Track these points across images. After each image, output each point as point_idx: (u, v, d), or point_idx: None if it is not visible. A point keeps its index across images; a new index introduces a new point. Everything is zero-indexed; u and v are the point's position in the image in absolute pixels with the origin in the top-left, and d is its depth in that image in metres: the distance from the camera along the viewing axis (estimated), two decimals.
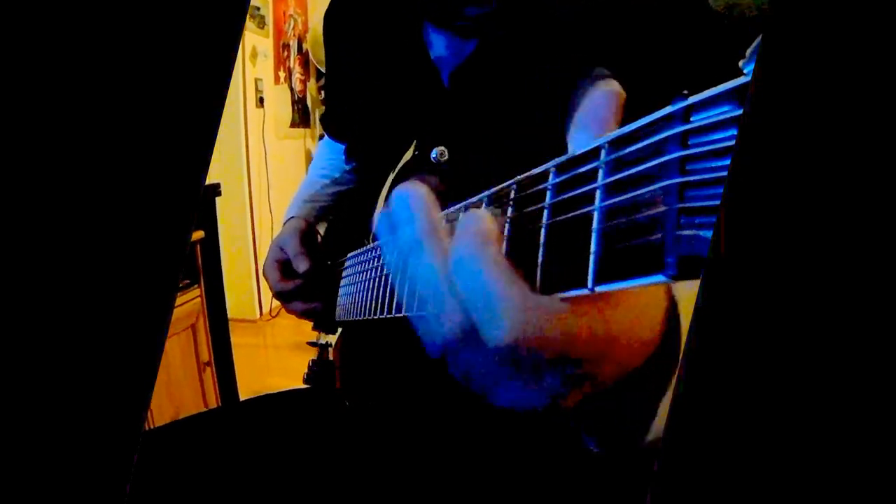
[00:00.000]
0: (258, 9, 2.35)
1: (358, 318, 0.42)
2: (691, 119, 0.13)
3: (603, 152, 0.16)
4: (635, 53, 0.37)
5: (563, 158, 0.18)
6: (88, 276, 0.12)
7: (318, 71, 2.77)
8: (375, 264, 0.39)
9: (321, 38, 0.58)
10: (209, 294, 1.20)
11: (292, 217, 0.60)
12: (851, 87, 0.08)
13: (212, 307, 1.21)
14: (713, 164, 0.13)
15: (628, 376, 0.21)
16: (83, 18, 0.11)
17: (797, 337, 0.09)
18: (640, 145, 0.15)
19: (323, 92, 2.64)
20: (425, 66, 0.44)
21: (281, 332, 2.32)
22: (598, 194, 0.16)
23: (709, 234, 0.13)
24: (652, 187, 0.14)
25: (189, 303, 1.14)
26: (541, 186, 0.19)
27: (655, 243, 0.14)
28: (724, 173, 0.12)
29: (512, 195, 0.21)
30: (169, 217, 0.14)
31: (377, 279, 0.37)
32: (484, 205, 0.23)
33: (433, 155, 0.41)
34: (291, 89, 2.67)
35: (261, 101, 2.38)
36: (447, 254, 0.21)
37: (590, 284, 0.16)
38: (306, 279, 0.54)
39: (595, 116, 0.19)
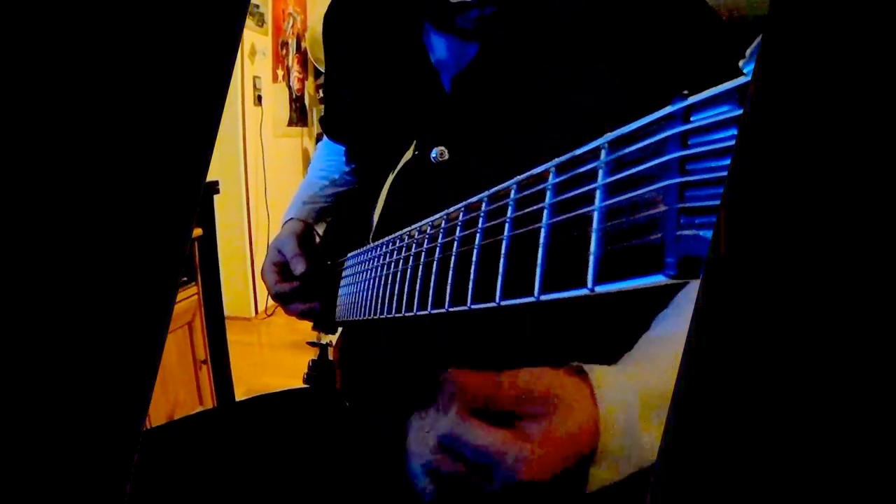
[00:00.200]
0: (257, 6, 2.35)
1: (358, 318, 0.42)
2: (691, 119, 0.13)
3: (603, 152, 0.16)
4: (635, 54, 0.37)
5: (563, 158, 0.18)
6: (88, 274, 0.12)
7: (316, 70, 2.76)
8: (375, 264, 0.39)
9: (320, 37, 0.57)
10: (206, 291, 1.20)
11: (291, 219, 0.60)
12: (851, 87, 0.08)
13: (208, 305, 1.21)
14: (713, 164, 0.13)
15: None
16: (83, 17, 0.11)
17: (797, 336, 0.09)
18: (640, 145, 0.15)
19: (321, 92, 2.63)
20: (425, 69, 0.44)
21: (276, 331, 2.32)
22: (598, 194, 0.16)
23: (709, 234, 0.13)
24: (652, 187, 0.14)
25: (186, 300, 1.14)
26: (541, 186, 0.19)
27: (655, 243, 0.14)
28: (724, 173, 0.12)
29: (512, 195, 0.21)
30: (169, 216, 0.14)
31: (377, 279, 0.37)
32: (484, 204, 0.23)
33: (433, 155, 0.41)
34: (289, 88, 2.66)
35: (259, 100, 2.37)
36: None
37: (590, 284, 0.16)
38: (304, 281, 0.54)
39: None
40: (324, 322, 0.58)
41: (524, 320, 0.34)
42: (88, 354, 0.13)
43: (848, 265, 0.08)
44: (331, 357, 0.55)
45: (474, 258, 0.23)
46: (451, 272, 0.25)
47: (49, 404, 0.12)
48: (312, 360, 0.57)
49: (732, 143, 0.12)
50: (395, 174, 0.43)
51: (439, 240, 0.27)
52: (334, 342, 0.56)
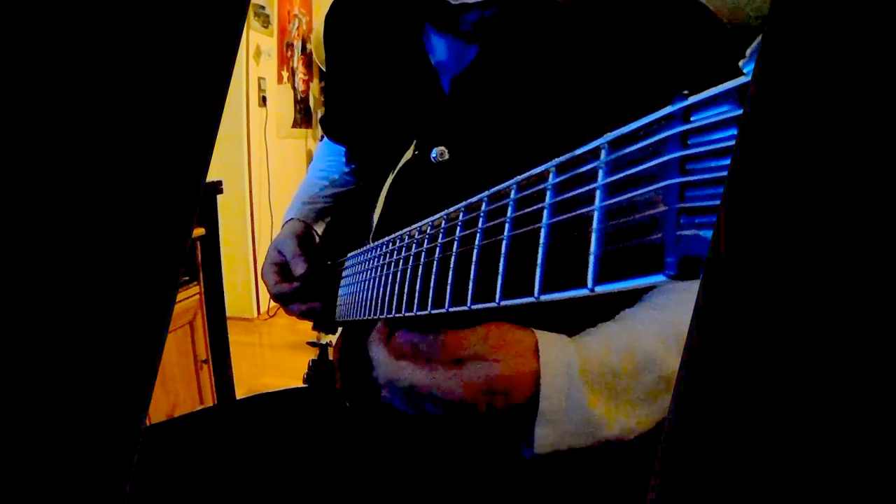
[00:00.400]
0: (263, 8, 2.36)
1: (358, 317, 0.42)
2: (691, 119, 0.13)
3: (603, 152, 0.16)
4: (635, 54, 0.37)
5: (563, 158, 0.18)
6: (88, 273, 0.12)
7: (321, 71, 2.77)
8: (375, 264, 0.39)
9: None
10: (208, 291, 1.20)
11: (291, 219, 0.60)
12: (852, 87, 0.08)
13: (210, 304, 1.21)
14: (713, 164, 0.13)
15: None
16: (83, 16, 0.11)
17: (797, 336, 0.09)
18: (640, 145, 0.15)
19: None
20: (425, 70, 0.44)
21: (277, 332, 2.32)
22: (598, 194, 0.16)
23: (709, 234, 0.13)
24: (652, 187, 0.14)
25: (188, 299, 1.14)
26: (541, 186, 0.19)
27: (655, 243, 0.14)
28: (724, 173, 0.12)
29: (512, 195, 0.21)
30: (169, 215, 0.14)
31: (377, 279, 0.37)
32: (484, 204, 0.23)
33: (433, 155, 0.41)
34: (294, 89, 2.68)
35: (263, 101, 2.38)
36: None
37: (590, 284, 0.16)
38: (304, 281, 0.54)
39: None
40: (324, 322, 0.58)
41: (525, 320, 0.34)
42: (88, 353, 0.13)
43: (848, 264, 0.08)
44: (331, 357, 0.55)
45: (474, 258, 0.23)
46: (450, 272, 0.25)
47: (48, 403, 0.12)
48: (312, 360, 0.57)
49: (732, 143, 0.12)
50: (394, 174, 0.43)
51: (439, 240, 0.27)
52: (334, 342, 0.56)
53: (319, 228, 0.61)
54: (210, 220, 1.20)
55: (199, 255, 1.17)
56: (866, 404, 0.08)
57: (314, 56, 2.73)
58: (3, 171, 0.11)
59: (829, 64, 0.09)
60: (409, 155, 0.42)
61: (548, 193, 0.19)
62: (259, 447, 0.48)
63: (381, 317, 0.36)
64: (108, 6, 0.12)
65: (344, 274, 0.51)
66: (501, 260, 0.21)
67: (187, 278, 1.14)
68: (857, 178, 0.08)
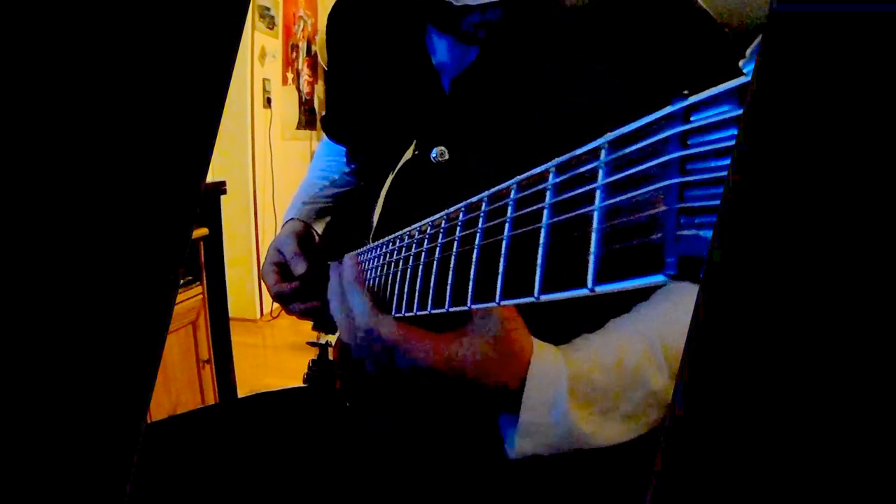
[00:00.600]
0: (268, 9, 2.37)
1: None
2: (691, 119, 0.13)
3: (603, 152, 0.16)
4: (635, 54, 0.37)
5: (563, 158, 0.18)
6: (88, 272, 0.12)
7: (326, 73, 2.78)
8: (375, 264, 0.39)
9: None
10: (211, 291, 1.20)
11: (291, 219, 0.61)
12: (852, 87, 0.08)
13: (213, 305, 1.21)
14: (713, 164, 0.13)
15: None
16: (83, 16, 0.11)
17: (798, 336, 0.09)
18: (640, 145, 0.15)
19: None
20: (426, 70, 0.44)
21: (280, 333, 2.32)
22: (598, 194, 0.16)
23: (709, 234, 0.13)
24: (652, 187, 0.14)
25: (190, 299, 1.14)
26: (541, 186, 0.19)
27: (655, 243, 0.14)
28: (724, 173, 0.12)
29: (512, 195, 0.21)
30: (169, 214, 0.14)
31: (377, 279, 0.37)
32: (484, 204, 0.23)
33: (433, 155, 0.41)
34: (299, 91, 2.69)
35: (268, 102, 2.39)
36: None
37: (590, 284, 0.16)
38: (304, 281, 0.54)
39: None
40: (324, 322, 0.59)
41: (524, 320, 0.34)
42: (87, 353, 0.13)
43: (848, 264, 0.08)
44: (331, 357, 0.55)
45: (474, 258, 0.23)
46: (451, 272, 0.25)
47: (48, 403, 0.12)
48: (312, 360, 0.57)
49: (732, 143, 0.12)
50: (394, 174, 0.43)
51: (439, 240, 0.27)
52: (334, 342, 0.56)
53: (319, 228, 0.61)
54: (213, 221, 1.21)
55: (202, 256, 1.18)
56: (866, 404, 0.08)
57: (319, 58, 2.74)
58: (3, 170, 0.11)
59: (829, 64, 0.09)
60: (409, 155, 0.42)
61: (548, 193, 0.19)
62: (258, 446, 0.48)
63: None
64: (109, 6, 0.12)
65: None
66: (501, 260, 0.21)
67: (190, 278, 1.15)
68: (856, 178, 0.08)
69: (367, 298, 0.35)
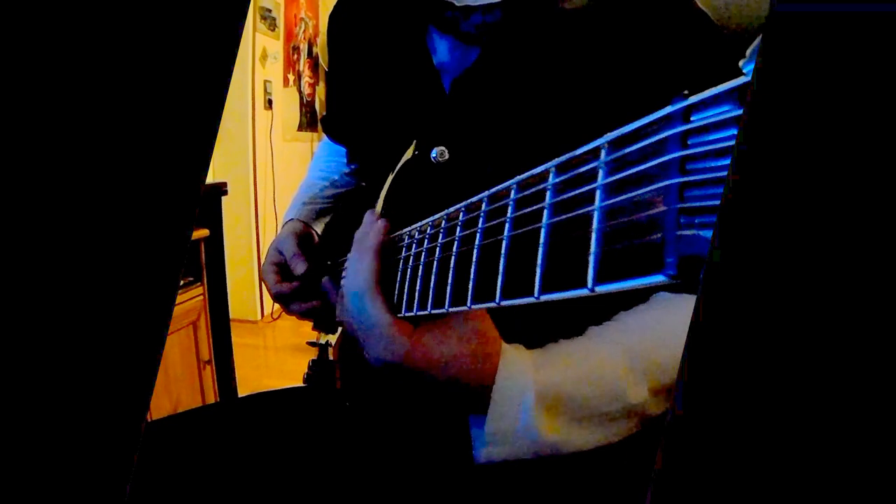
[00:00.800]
0: (269, 11, 2.38)
1: None
2: (691, 119, 0.13)
3: (603, 152, 0.16)
4: (636, 56, 0.37)
5: (563, 158, 0.18)
6: (87, 272, 0.12)
7: (327, 75, 2.79)
8: None
9: None
10: (211, 292, 1.20)
11: (291, 219, 0.61)
12: (852, 87, 0.08)
13: (214, 306, 1.21)
14: (713, 164, 0.13)
15: None
16: (83, 16, 0.12)
17: (797, 336, 0.09)
18: (640, 145, 0.15)
19: None
20: (427, 71, 0.44)
21: (281, 334, 2.32)
22: (598, 194, 0.16)
23: (709, 234, 0.13)
24: (652, 187, 0.14)
25: (191, 300, 1.14)
26: (541, 186, 0.19)
27: (655, 243, 0.14)
28: (724, 173, 0.12)
29: (512, 195, 0.21)
30: (169, 214, 0.14)
31: None
32: (484, 204, 0.23)
33: (433, 155, 0.41)
34: (300, 92, 2.69)
35: (269, 103, 2.40)
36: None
37: (590, 284, 0.16)
38: (304, 281, 0.55)
39: None
40: (324, 322, 0.59)
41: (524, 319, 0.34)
42: (88, 353, 0.13)
43: (848, 264, 0.08)
44: (331, 357, 0.55)
45: (474, 258, 0.23)
46: (451, 272, 0.25)
47: (48, 403, 0.12)
48: (312, 360, 0.57)
49: (732, 143, 0.12)
50: (394, 174, 0.43)
51: (439, 240, 0.27)
52: (334, 342, 0.56)
53: (319, 229, 0.61)
54: (214, 222, 1.21)
55: (203, 257, 1.18)
56: (867, 404, 0.08)
57: (320, 59, 2.75)
58: (4, 171, 0.11)
59: (829, 64, 0.09)
60: (409, 155, 0.42)
61: (548, 193, 0.19)
62: (258, 445, 0.48)
63: None
64: (109, 5, 0.12)
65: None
66: (501, 260, 0.21)
67: (191, 279, 1.15)
68: (856, 178, 0.08)
69: (376, 265, 0.35)
